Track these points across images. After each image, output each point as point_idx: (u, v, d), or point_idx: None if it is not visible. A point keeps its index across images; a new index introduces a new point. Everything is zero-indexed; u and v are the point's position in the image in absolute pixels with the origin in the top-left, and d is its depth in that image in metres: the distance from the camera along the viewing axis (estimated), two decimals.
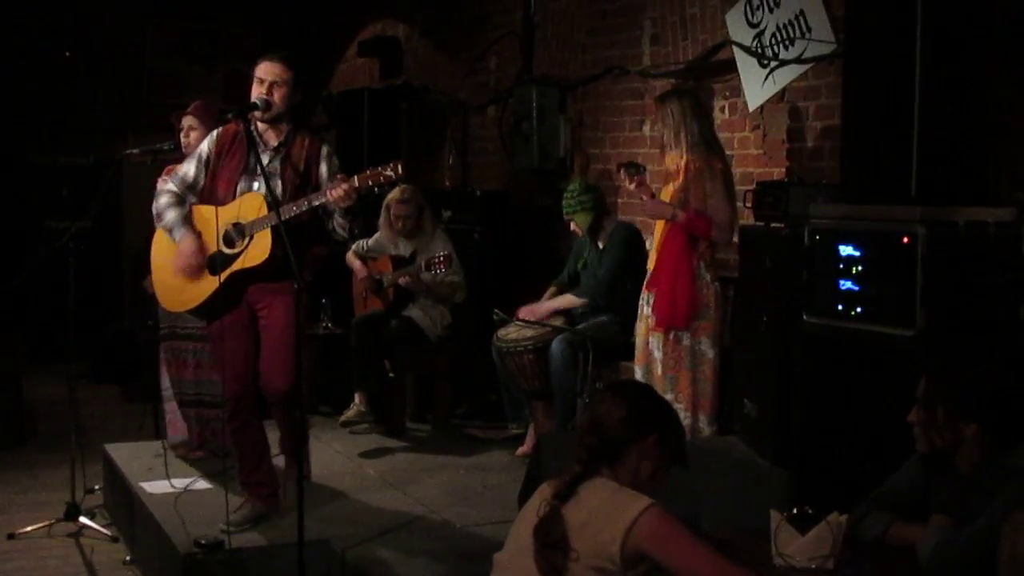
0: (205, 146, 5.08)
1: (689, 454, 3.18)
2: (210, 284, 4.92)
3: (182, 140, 5.96)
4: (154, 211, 5.09)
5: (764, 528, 3.18)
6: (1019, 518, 2.80)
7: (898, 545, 3.26)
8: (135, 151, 6.36)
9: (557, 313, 6.40)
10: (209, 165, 5.04)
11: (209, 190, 5.02)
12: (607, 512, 2.86)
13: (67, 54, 10.65)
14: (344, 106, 9.48)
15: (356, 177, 4.69)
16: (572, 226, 6.51)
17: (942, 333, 4.08)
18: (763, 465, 4.90)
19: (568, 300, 6.42)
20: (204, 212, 4.99)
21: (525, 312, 6.39)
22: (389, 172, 4.62)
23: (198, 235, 4.96)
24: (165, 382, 6.29)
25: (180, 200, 5.04)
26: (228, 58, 11.25)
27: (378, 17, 10.31)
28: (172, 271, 5.03)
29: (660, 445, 3.01)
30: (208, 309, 5.01)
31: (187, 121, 5.96)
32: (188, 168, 5.08)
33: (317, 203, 4.75)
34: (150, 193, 5.21)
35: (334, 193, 4.67)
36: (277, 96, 4.91)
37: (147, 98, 10.86)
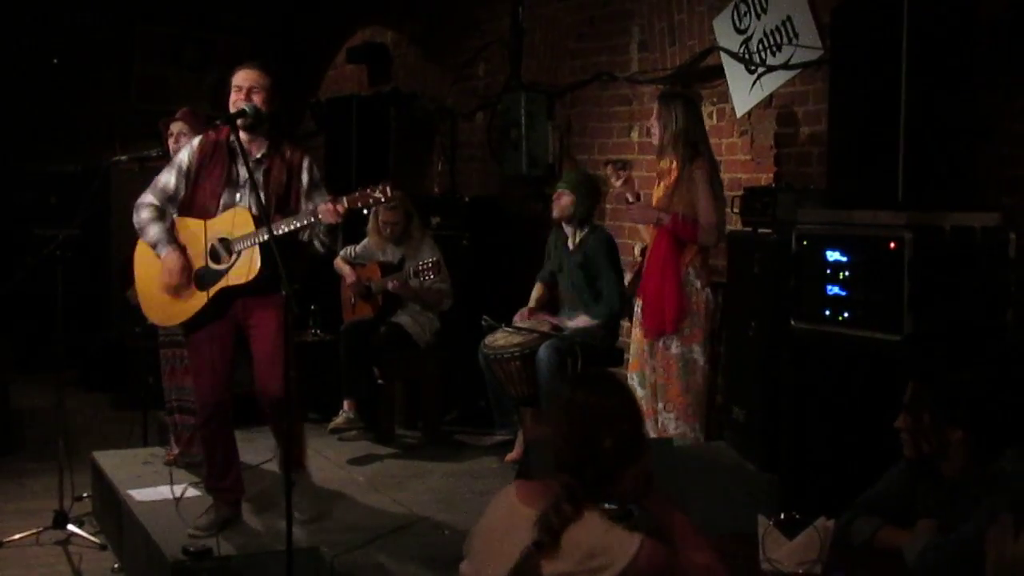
0: (185, 156, 5.00)
1: (678, 459, 3.17)
2: (198, 299, 4.90)
3: (171, 147, 5.92)
4: (135, 225, 5.01)
5: (752, 533, 3.18)
6: (1005, 522, 2.81)
7: (885, 550, 3.27)
8: (123, 158, 6.37)
9: (544, 319, 6.40)
10: (190, 176, 4.96)
11: (189, 201, 4.96)
12: (595, 561, 2.64)
13: (55, 61, 10.62)
14: (333, 113, 9.48)
15: (346, 198, 4.67)
16: (555, 203, 6.34)
17: (929, 338, 4.09)
18: (751, 470, 4.91)
19: (584, 321, 6.26)
20: (191, 225, 4.93)
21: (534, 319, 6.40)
22: (378, 195, 4.60)
23: (183, 250, 4.91)
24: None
25: (161, 213, 4.97)
26: (217, 65, 11.21)
27: (367, 24, 10.30)
28: (158, 285, 4.98)
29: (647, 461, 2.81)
30: (195, 322, 4.99)
31: (176, 127, 5.94)
32: (168, 178, 4.99)
33: (307, 222, 4.74)
34: None
35: (325, 215, 4.66)
36: (257, 101, 4.88)
37: (135, 105, 10.81)
